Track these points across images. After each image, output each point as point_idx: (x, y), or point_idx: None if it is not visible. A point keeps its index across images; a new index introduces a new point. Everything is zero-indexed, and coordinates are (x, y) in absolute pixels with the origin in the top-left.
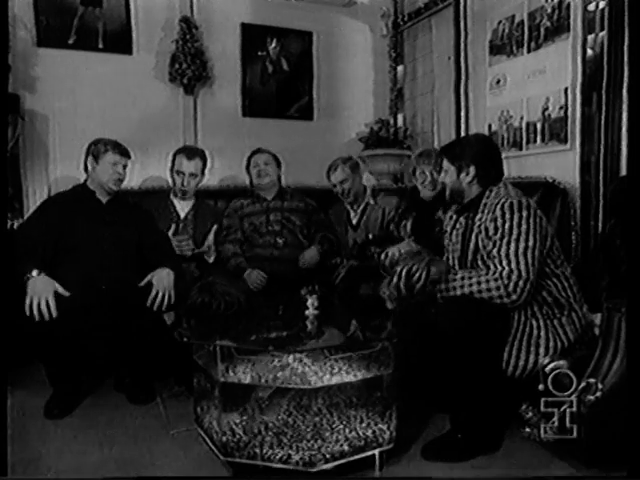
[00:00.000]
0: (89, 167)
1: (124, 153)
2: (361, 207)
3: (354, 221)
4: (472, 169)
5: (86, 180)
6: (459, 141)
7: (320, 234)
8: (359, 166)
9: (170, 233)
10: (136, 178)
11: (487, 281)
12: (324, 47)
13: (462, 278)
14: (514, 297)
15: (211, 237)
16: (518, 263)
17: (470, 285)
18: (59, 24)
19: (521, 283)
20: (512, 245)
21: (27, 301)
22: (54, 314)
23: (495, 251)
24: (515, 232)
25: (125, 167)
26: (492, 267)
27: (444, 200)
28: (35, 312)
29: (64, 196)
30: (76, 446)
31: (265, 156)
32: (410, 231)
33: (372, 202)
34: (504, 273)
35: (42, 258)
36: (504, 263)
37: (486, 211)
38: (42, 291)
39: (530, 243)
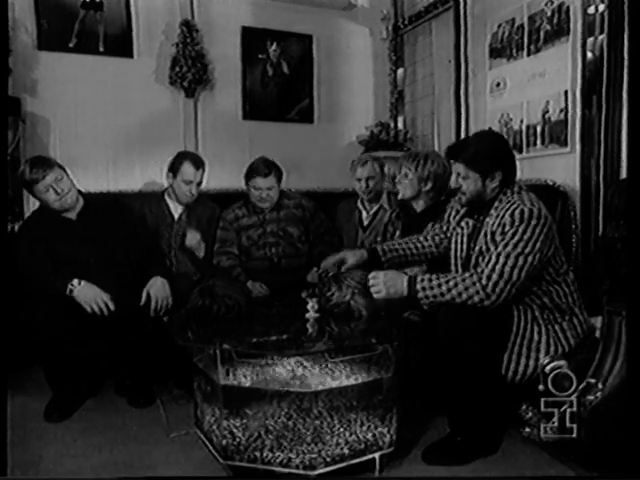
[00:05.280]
0: (37, 195)
1: (47, 165)
2: (374, 209)
3: (365, 222)
4: (499, 174)
5: (41, 205)
6: (474, 143)
7: (317, 250)
8: (385, 168)
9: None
10: (137, 181)
11: (463, 280)
12: (324, 50)
13: (439, 285)
14: (493, 298)
15: (199, 236)
16: (504, 264)
17: (449, 290)
18: (60, 27)
19: (502, 283)
20: (508, 248)
21: (87, 308)
22: (112, 308)
23: (489, 253)
24: (516, 238)
25: (66, 176)
26: (478, 268)
27: (434, 212)
28: (97, 312)
29: (34, 224)
30: (76, 449)
31: (269, 181)
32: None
33: (386, 206)
34: (485, 272)
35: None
36: (491, 263)
37: (496, 215)
38: (93, 294)
39: (527, 250)
